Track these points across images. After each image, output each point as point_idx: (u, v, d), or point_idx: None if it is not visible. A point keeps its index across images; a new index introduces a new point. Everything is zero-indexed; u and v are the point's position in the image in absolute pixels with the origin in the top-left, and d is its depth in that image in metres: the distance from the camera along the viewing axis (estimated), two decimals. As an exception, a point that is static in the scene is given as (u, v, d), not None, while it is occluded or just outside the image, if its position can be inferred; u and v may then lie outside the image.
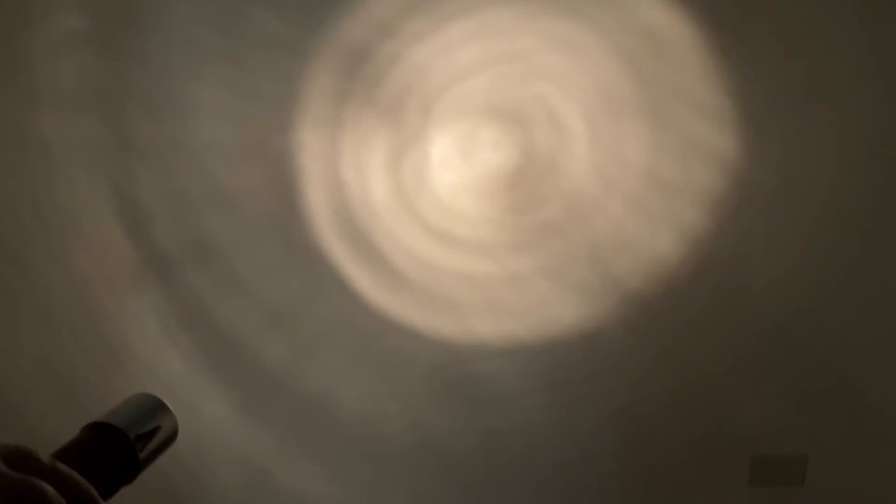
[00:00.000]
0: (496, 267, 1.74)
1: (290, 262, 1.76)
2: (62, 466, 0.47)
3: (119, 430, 0.52)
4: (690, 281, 1.78)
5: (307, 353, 1.83)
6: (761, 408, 1.92)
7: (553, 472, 1.91)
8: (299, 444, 1.84)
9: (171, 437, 0.57)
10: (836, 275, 1.83)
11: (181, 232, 1.74)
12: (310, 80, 1.59)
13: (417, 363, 1.80)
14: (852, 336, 1.88)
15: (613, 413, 1.87)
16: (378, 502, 1.93)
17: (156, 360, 1.79)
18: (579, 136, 1.68)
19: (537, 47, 1.62)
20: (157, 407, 0.56)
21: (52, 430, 1.64)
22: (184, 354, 1.79)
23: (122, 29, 1.53)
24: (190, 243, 1.74)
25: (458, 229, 1.72)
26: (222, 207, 1.73)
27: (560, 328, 1.79)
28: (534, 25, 1.61)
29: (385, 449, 1.86)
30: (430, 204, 1.70)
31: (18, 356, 1.73)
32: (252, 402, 1.85)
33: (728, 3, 1.63)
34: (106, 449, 0.51)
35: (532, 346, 1.79)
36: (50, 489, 0.44)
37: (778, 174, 1.74)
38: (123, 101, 1.58)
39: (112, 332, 1.77)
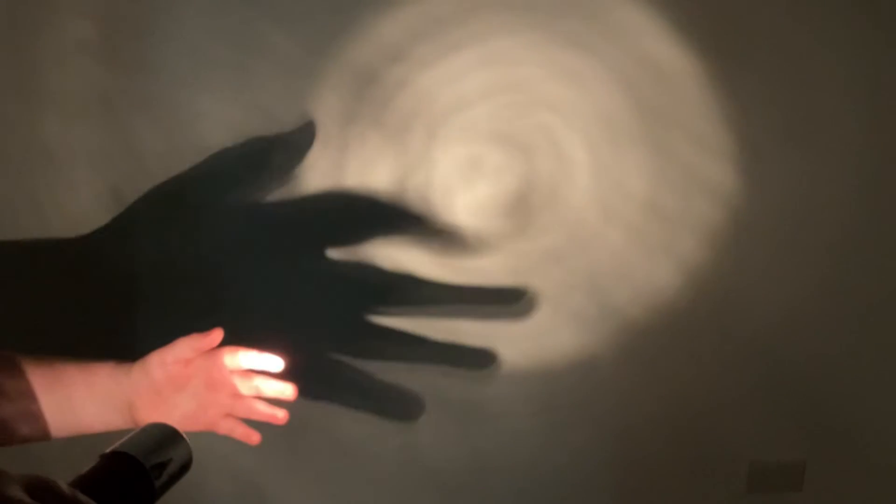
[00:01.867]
0: (495, 292, 1.76)
1: (289, 278, 1.77)
2: (82, 496, 0.48)
3: (136, 460, 0.53)
4: (688, 310, 1.80)
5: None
6: (758, 435, 1.93)
7: (547, 494, 1.91)
8: (292, 459, 1.84)
9: (186, 466, 0.58)
10: (833, 305, 1.85)
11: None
12: (318, 99, 1.61)
13: (413, 383, 1.81)
14: (849, 364, 1.89)
15: (608, 437, 1.88)
16: (369, 520, 1.92)
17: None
18: (581, 166, 1.70)
19: (542, 77, 1.64)
20: (172, 436, 0.58)
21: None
22: (181, 367, 1.78)
23: (130, 38, 1.54)
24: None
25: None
26: (224, 221, 1.73)
27: (557, 355, 1.80)
28: (539, 56, 1.63)
29: (378, 467, 1.86)
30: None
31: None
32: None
33: (731, 35, 1.65)
34: (123, 478, 0.52)
35: (528, 371, 1.80)
36: (71, 519, 0.45)
37: (776, 206, 1.77)
38: (129, 111, 1.59)
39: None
